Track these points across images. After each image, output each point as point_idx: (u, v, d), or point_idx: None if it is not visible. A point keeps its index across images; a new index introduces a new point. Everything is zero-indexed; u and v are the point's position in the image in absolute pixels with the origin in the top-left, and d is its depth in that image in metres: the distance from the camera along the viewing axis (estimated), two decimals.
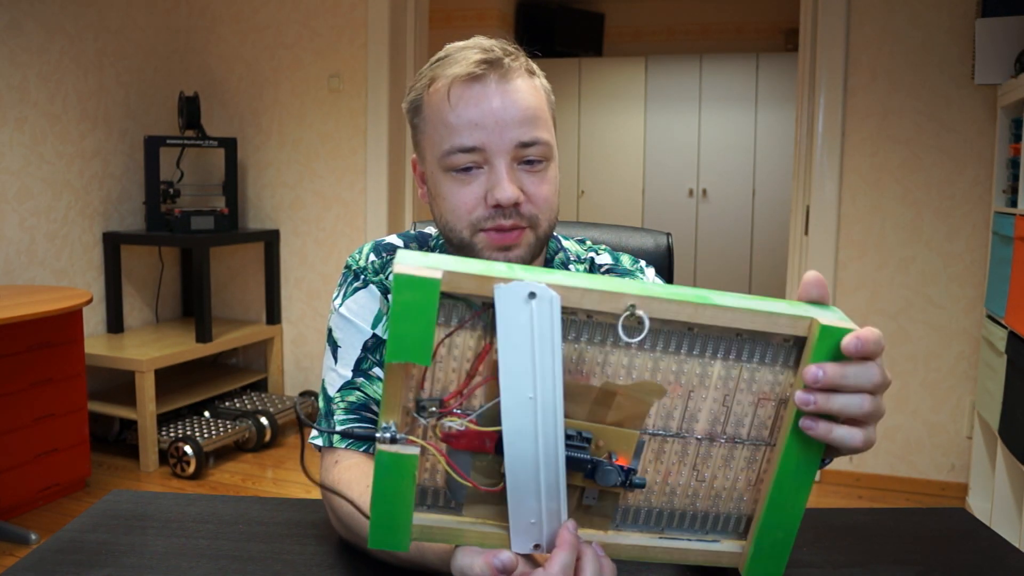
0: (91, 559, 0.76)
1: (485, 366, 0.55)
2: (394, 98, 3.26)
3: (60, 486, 2.57)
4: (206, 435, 2.88)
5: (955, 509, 0.93)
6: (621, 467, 0.58)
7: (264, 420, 3.06)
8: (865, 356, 0.54)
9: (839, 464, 2.95)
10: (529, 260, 0.88)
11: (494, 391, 0.54)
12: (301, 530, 0.84)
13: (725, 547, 0.62)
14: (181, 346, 3.01)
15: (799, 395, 0.55)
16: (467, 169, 0.85)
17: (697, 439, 0.59)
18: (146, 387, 2.79)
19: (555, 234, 1.01)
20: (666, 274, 1.21)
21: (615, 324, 0.54)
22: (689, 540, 0.61)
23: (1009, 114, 2.49)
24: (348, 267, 0.97)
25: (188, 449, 2.78)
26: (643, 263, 1.03)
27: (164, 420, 3.01)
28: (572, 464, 0.57)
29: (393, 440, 0.54)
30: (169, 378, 3.16)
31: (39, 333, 2.43)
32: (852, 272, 2.89)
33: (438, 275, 0.51)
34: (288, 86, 3.36)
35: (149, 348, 2.94)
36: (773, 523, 0.59)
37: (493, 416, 0.55)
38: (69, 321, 2.52)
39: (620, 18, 5.79)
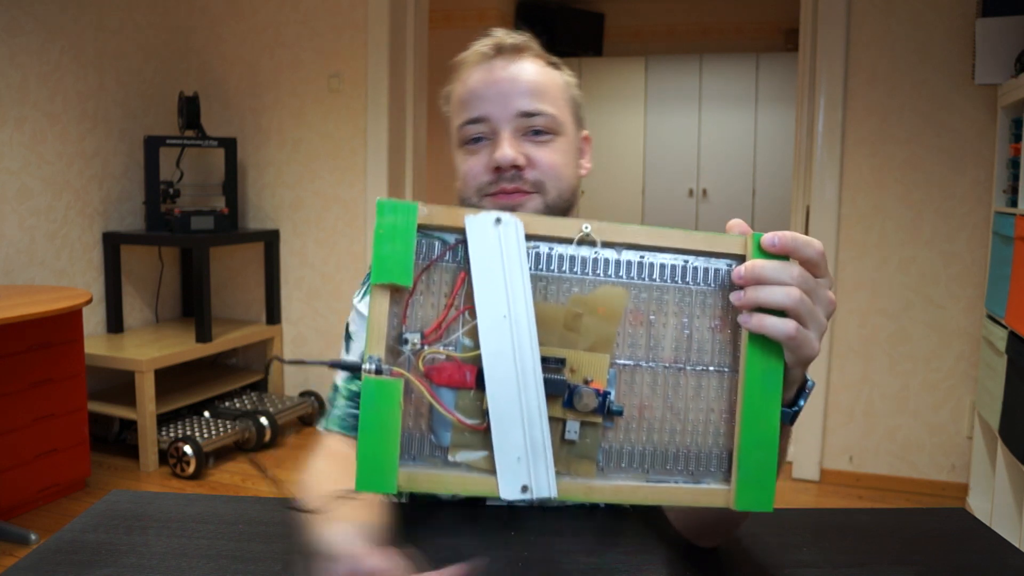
0: (91, 559, 0.76)
1: (461, 298, 0.58)
2: (394, 98, 3.26)
3: (60, 486, 2.57)
4: (206, 435, 2.88)
5: (955, 509, 0.93)
6: (597, 390, 0.59)
7: (264, 420, 3.06)
8: (785, 253, 0.58)
9: (839, 464, 2.96)
10: None
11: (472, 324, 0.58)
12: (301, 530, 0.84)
13: (712, 486, 0.61)
14: (181, 346, 3.01)
15: (732, 294, 0.59)
16: (477, 140, 0.90)
17: (665, 367, 0.60)
18: (146, 387, 2.79)
19: None
20: None
21: (576, 255, 0.59)
22: (676, 481, 0.61)
23: (1009, 114, 2.49)
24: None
25: (188, 449, 2.78)
26: None
27: (164, 420, 3.01)
28: (550, 387, 0.58)
29: (378, 371, 0.56)
30: (169, 378, 3.16)
31: (39, 333, 2.43)
32: (852, 272, 2.89)
33: (421, 208, 0.56)
34: (288, 86, 3.36)
35: (149, 348, 2.94)
36: (751, 444, 0.60)
37: (473, 349, 0.58)
38: (69, 321, 2.52)
39: (620, 18, 5.79)
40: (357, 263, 3.34)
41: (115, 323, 3.17)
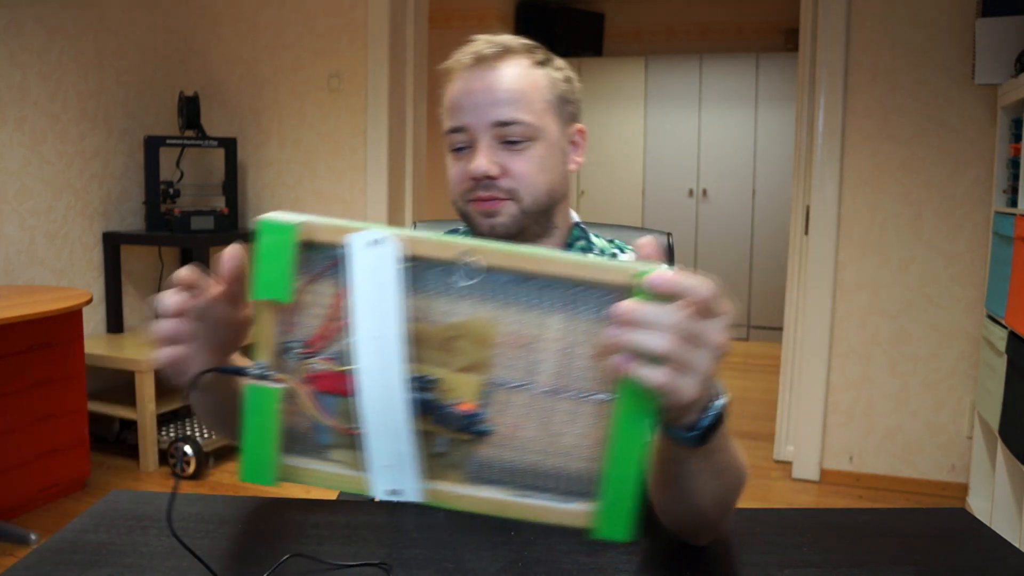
0: (91, 559, 0.76)
1: (342, 311, 0.60)
2: (394, 98, 3.26)
3: (60, 486, 2.57)
4: (206, 435, 2.88)
5: (955, 509, 0.93)
6: (463, 412, 0.61)
7: None
8: (671, 295, 0.54)
9: (839, 464, 2.96)
10: (515, 229, 0.95)
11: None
12: (301, 530, 0.84)
13: (577, 507, 0.62)
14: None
15: (605, 331, 0.55)
16: (460, 148, 0.96)
17: (543, 392, 0.60)
18: (146, 387, 2.79)
19: (585, 227, 1.07)
20: None
21: (458, 276, 0.59)
22: (544, 499, 0.62)
23: (1009, 114, 2.49)
24: None
25: (188, 449, 2.78)
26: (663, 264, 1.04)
27: (164, 420, 3.01)
28: (417, 406, 0.60)
29: (263, 377, 0.61)
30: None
31: (39, 333, 2.43)
32: (852, 272, 2.89)
33: (296, 221, 0.58)
34: (288, 86, 3.36)
35: (149, 348, 2.94)
36: (615, 476, 0.59)
37: (351, 359, 0.61)
38: (69, 321, 2.52)
39: (620, 18, 5.79)
40: None
41: (115, 323, 3.17)
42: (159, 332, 0.66)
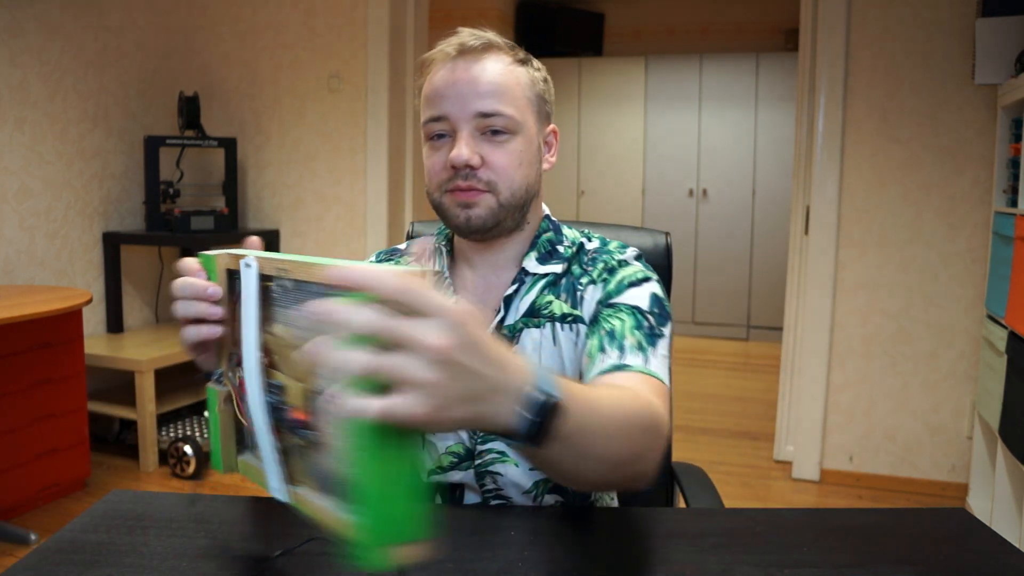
0: (91, 559, 0.76)
1: (238, 324, 0.69)
2: (394, 98, 3.26)
3: (60, 486, 2.57)
4: (206, 435, 2.88)
5: (955, 509, 0.93)
6: (294, 418, 0.64)
7: None
8: (355, 289, 0.48)
9: (839, 464, 2.96)
10: (491, 222, 0.96)
11: None
12: (302, 530, 0.84)
13: (351, 519, 0.57)
14: (181, 346, 3.00)
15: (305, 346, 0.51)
16: (440, 136, 0.95)
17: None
18: (146, 387, 2.79)
19: (556, 221, 1.07)
20: (665, 273, 1.21)
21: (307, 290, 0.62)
22: (340, 508, 0.59)
23: (1009, 114, 2.49)
24: None
25: (188, 449, 2.78)
26: (631, 250, 1.04)
27: (164, 420, 3.01)
28: (270, 410, 0.66)
29: (217, 380, 0.75)
30: (169, 378, 3.16)
31: (39, 333, 2.43)
32: (852, 272, 2.89)
33: (215, 253, 0.72)
34: (288, 86, 3.36)
35: (149, 348, 2.94)
36: (363, 495, 0.51)
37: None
38: (69, 321, 2.52)
39: (620, 18, 5.79)
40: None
41: (115, 323, 3.17)
42: (185, 312, 0.73)
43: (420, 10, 3.36)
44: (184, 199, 3.38)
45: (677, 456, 1.29)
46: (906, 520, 0.91)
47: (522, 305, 1.00)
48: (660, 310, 0.96)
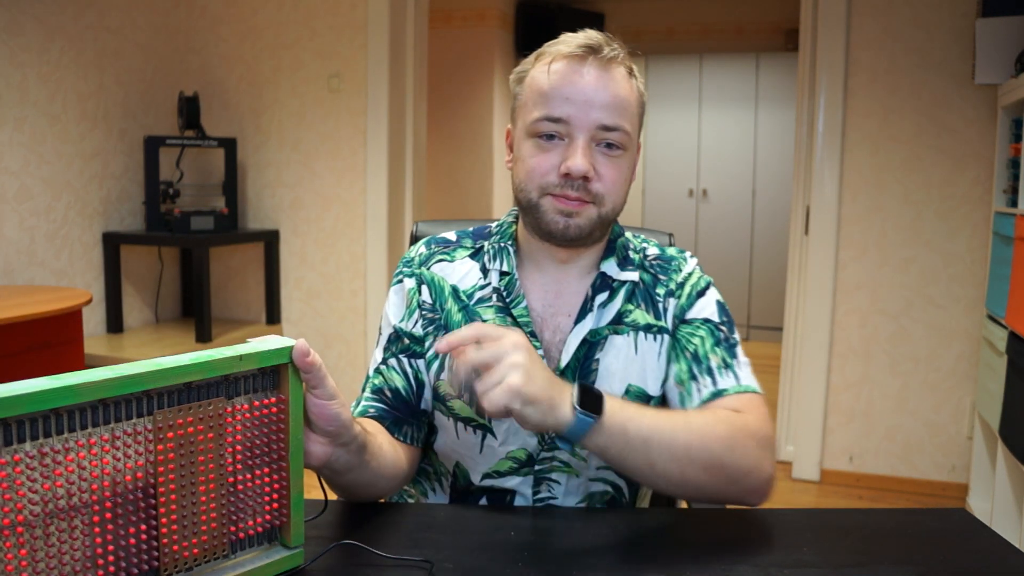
0: None
1: None
2: (394, 98, 3.26)
3: None
4: None
5: (955, 509, 0.93)
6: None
7: None
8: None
9: (839, 464, 2.96)
10: (589, 232, 0.96)
11: None
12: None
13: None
14: (181, 346, 3.00)
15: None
16: (550, 137, 0.93)
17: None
18: None
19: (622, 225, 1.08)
20: None
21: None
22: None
23: (1009, 114, 2.49)
24: (402, 259, 1.08)
25: None
26: (687, 254, 1.08)
27: None
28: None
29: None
30: None
31: (39, 333, 2.43)
32: (852, 272, 2.89)
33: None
34: (288, 86, 3.36)
35: (149, 348, 2.94)
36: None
37: None
38: (69, 321, 2.52)
39: (620, 18, 5.79)
40: (357, 263, 3.34)
41: (115, 323, 3.17)
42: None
43: (420, 10, 3.36)
44: (184, 199, 3.38)
45: None
46: (906, 520, 0.91)
47: (607, 312, 1.00)
48: (727, 317, 1.03)
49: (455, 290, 1.02)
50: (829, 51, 2.82)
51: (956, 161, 2.75)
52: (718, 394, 0.95)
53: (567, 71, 0.92)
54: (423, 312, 1.02)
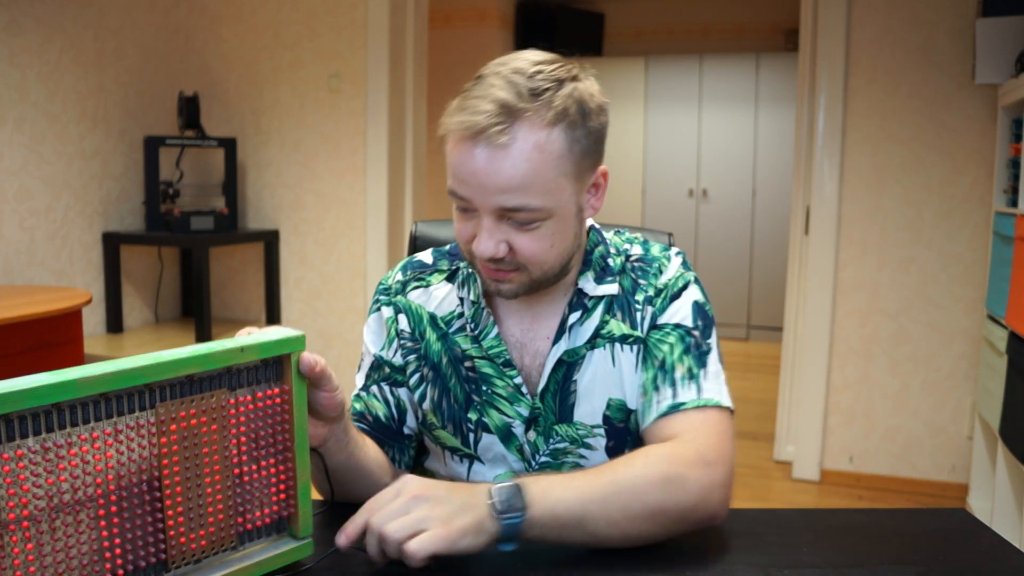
0: None
1: None
2: (394, 98, 3.26)
3: None
4: None
5: (955, 509, 0.93)
6: None
7: None
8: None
9: (839, 464, 2.95)
10: (524, 292, 0.92)
11: None
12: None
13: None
14: (181, 346, 3.00)
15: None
16: (465, 208, 0.89)
17: None
18: None
19: (599, 229, 1.04)
20: None
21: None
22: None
23: (1009, 114, 2.49)
24: (379, 284, 1.06)
25: None
26: (672, 252, 1.03)
27: None
28: None
29: None
30: None
31: (39, 333, 2.43)
32: (852, 272, 2.89)
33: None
34: (288, 86, 3.36)
35: (149, 348, 2.94)
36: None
37: None
38: (69, 321, 2.52)
39: (620, 18, 5.79)
40: (357, 263, 3.34)
41: (115, 323, 3.16)
42: None
43: (420, 10, 3.36)
44: (184, 199, 3.38)
45: None
46: (906, 520, 0.91)
47: (585, 330, 0.97)
48: (703, 319, 0.96)
49: (433, 318, 1.01)
50: (829, 51, 2.82)
51: (956, 161, 2.75)
52: (675, 408, 0.90)
53: (460, 151, 0.85)
54: (402, 341, 1.02)
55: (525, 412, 0.97)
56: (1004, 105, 2.48)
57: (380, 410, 1.01)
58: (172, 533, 0.65)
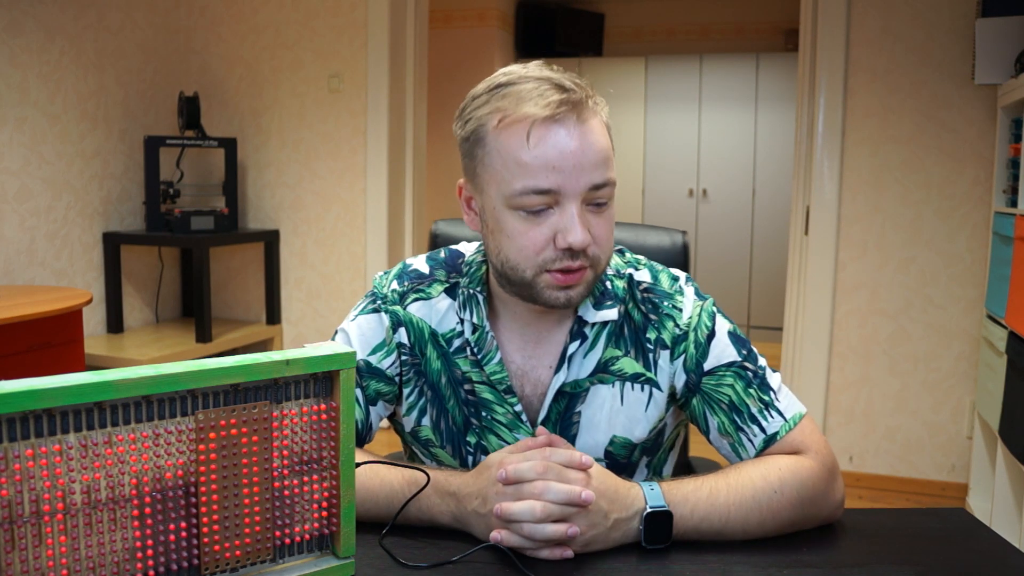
0: None
1: None
2: (394, 98, 3.26)
3: None
4: None
5: (955, 509, 0.94)
6: None
7: None
8: None
9: (839, 464, 2.95)
10: (586, 296, 0.90)
11: None
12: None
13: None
14: (181, 346, 3.00)
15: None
16: (538, 211, 0.85)
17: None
18: None
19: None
20: None
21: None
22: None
23: (1009, 114, 2.49)
24: (372, 290, 1.01)
25: None
26: (682, 282, 0.99)
27: None
28: None
29: None
30: None
31: (39, 333, 2.43)
32: (852, 272, 2.89)
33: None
34: (288, 86, 3.36)
35: (149, 348, 2.94)
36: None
37: None
38: (69, 321, 2.52)
39: (620, 18, 5.79)
40: (357, 263, 3.34)
41: (115, 323, 3.17)
42: None
43: (420, 10, 3.36)
44: (184, 199, 3.38)
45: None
46: (906, 520, 0.91)
47: (588, 362, 0.95)
48: (743, 345, 0.96)
49: (434, 334, 0.98)
50: (829, 51, 2.82)
51: (956, 161, 2.75)
52: (771, 440, 0.92)
53: (549, 136, 0.82)
54: (402, 354, 0.98)
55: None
56: (1004, 105, 2.48)
57: (357, 415, 0.97)
58: (206, 540, 0.65)
